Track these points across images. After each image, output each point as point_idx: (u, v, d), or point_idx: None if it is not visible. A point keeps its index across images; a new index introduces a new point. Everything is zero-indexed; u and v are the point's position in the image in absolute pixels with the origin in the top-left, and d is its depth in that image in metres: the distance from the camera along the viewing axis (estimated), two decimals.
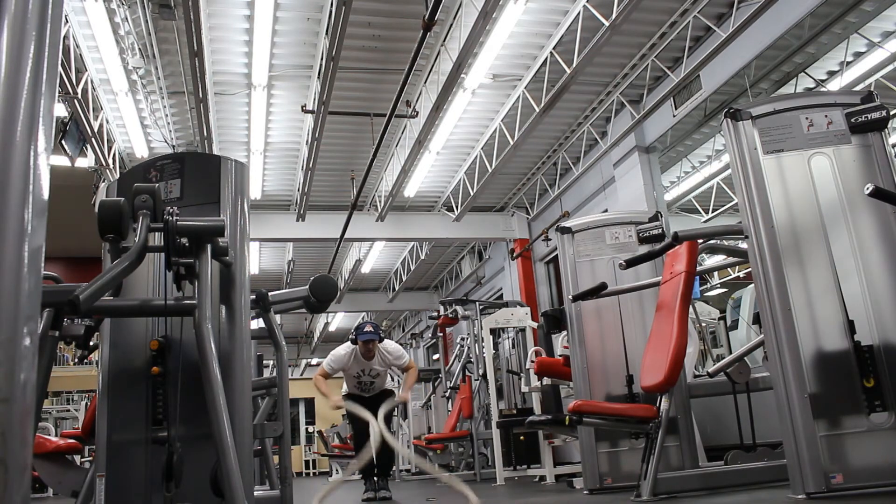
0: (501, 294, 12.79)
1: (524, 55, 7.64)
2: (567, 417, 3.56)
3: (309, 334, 19.61)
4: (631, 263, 3.85)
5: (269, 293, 3.17)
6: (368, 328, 5.30)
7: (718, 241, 4.07)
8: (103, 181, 8.27)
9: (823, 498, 2.68)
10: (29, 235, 0.88)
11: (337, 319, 17.89)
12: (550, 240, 10.80)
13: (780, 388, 2.87)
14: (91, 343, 2.86)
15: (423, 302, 16.43)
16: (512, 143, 8.58)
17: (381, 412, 4.63)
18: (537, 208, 11.57)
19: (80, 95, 6.92)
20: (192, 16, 5.67)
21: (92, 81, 7.30)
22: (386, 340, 5.51)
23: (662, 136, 8.58)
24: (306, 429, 22.57)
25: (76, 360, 14.50)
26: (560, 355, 5.43)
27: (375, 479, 5.43)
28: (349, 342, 5.41)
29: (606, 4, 6.28)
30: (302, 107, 7.94)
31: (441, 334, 9.31)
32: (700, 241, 3.76)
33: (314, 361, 23.60)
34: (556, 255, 7.09)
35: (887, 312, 2.82)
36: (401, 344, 17.85)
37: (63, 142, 7.28)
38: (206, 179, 2.72)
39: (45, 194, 0.92)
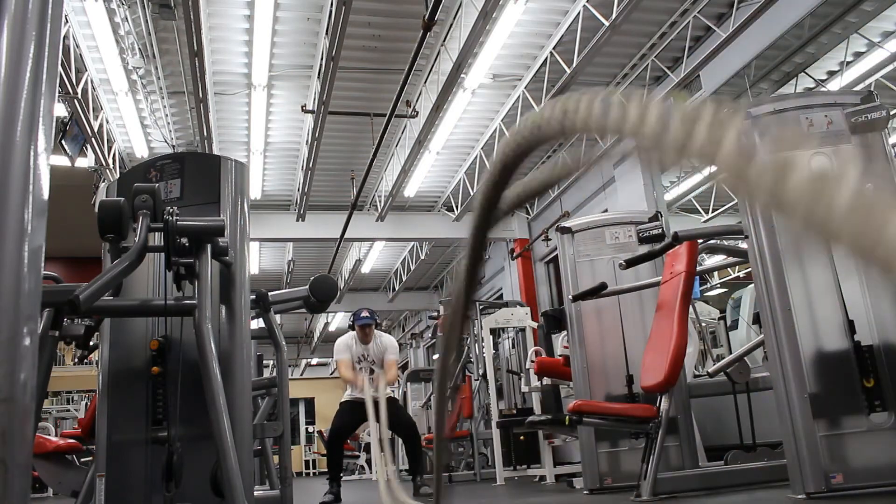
0: (501, 294, 12.79)
1: (524, 55, 7.64)
2: (567, 417, 3.56)
3: (309, 334, 19.61)
4: (631, 263, 3.85)
5: (269, 293, 3.17)
6: (365, 313, 5.57)
7: (718, 241, 4.07)
8: (103, 181, 8.27)
9: (823, 498, 2.68)
10: (29, 235, 0.88)
11: (337, 319, 17.88)
12: (550, 240, 10.80)
13: (780, 388, 2.87)
14: (91, 343, 2.86)
15: (423, 302, 16.43)
16: None
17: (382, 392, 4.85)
18: (537, 208, 11.57)
19: (80, 95, 6.92)
20: (192, 16, 5.67)
21: (92, 81, 7.30)
22: (385, 334, 5.77)
23: None
24: (306, 429, 22.56)
25: (75, 360, 14.50)
26: (560, 355, 5.43)
27: (414, 478, 5.45)
28: (348, 329, 5.70)
29: (606, 4, 6.28)
30: (302, 107, 7.95)
31: (441, 334, 9.31)
32: (700, 241, 3.76)
33: (314, 361, 23.61)
34: (556, 255, 7.09)
35: (887, 312, 2.82)
36: (400, 344, 17.85)
37: (63, 142, 7.28)
38: (206, 179, 2.72)
39: (45, 194, 0.92)
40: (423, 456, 5.97)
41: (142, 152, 8.62)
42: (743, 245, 3.50)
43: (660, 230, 4.02)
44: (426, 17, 5.81)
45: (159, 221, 2.26)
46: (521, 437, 6.81)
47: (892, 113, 3.22)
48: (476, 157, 9.65)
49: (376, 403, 4.76)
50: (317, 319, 18.18)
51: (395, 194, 9.91)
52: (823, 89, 7.89)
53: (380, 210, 10.54)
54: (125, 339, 2.59)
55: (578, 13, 6.74)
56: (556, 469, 5.97)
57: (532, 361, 5.96)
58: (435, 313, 8.66)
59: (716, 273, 12.14)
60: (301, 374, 23.72)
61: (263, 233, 10.79)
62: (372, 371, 5.54)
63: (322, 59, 6.86)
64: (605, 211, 8.88)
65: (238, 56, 7.28)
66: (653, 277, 4.24)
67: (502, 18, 6.59)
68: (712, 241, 4.00)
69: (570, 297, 4.41)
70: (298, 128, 8.82)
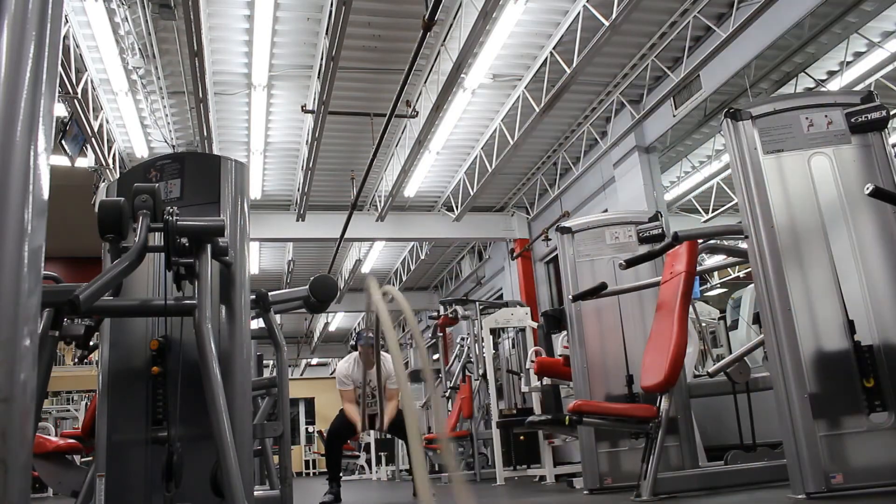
0: (501, 294, 12.79)
1: (524, 55, 7.64)
2: (567, 417, 3.56)
3: (309, 334, 19.61)
4: (631, 263, 3.85)
5: (269, 293, 3.17)
6: (370, 334, 5.48)
7: (718, 241, 4.07)
8: (103, 181, 8.27)
9: (823, 498, 2.68)
10: (29, 235, 0.88)
11: (337, 319, 17.89)
12: (550, 240, 10.80)
13: (780, 388, 2.87)
14: (91, 343, 2.86)
15: (423, 302, 16.43)
16: (512, 143, 8.59)
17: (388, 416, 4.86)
18: (537, 208, 11.57)
19: (80, 95, 6.92)
20: (192, 16, 5.67)
21: (92, 81, 7.30)
22: (386, 355, 5.69)
23: (662, 136, 8.57)
24: (306, 429, 22.57)
25: (75, 360, 14.50)
26: (560, 355, 5.43)
27: (413, 479, 5.44)
28: (351, 350, 5.64)
29: (606, 4, 6.28)
30: (302, 107, 7.95)
31: (441, 334, 9.30)
32: (700, 241, 3.76)
33: (314, 361, 23.61)
34: (556, 255, 7.09)
35: (887, 312, 2.82)
36: (400, 344, 17.74)
37: (63, 142, 7.28)
38: (206, 179, 2.72)
39: (45, 194, 0.92)
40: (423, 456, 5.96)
41: (142, 152, 8.62)
42: (743, 245, 3.49)
43: (660, 230, 4.02)
44: (426, 17, 5.81)
45: (159, 221, 2.26)
46: (521, 437, 6.81)
47: (892, 113, 3.22)
48: (476, 157, 9.65)
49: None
50: (317, 319, 18.18)
51: (395, 194, 9.91)
52: (823, 89, 7.89)
53: (380, 210, 10.54)
54: (125, 339, 2.59)
55: (578, 13, 6.74)
56: (556, 469, 5.97)
57: (532, 361, 5.96)
58: (435, 313, 8.65)
59: (716, 273, 12.15)
60: (301, 374, 23.73)
61: (263, 233, 10.79)
62: (374, 395, 5.53)
63: (322, 59, 6.85)
64: (605, 211, 8.88)
65: (238, 56, 7.28)
66: (653, 277, 4.24)
67: (502, 18, 6.59)
68: (712, 241, 3.99)
69: (570, 297, 4.41)
70: (298, 128, 8.82)
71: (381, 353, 5.52)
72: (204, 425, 2.21)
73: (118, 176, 6.19)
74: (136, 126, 8.17)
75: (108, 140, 8.28)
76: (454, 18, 6.75)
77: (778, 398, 2.89)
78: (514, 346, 8.21)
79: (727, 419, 4.31)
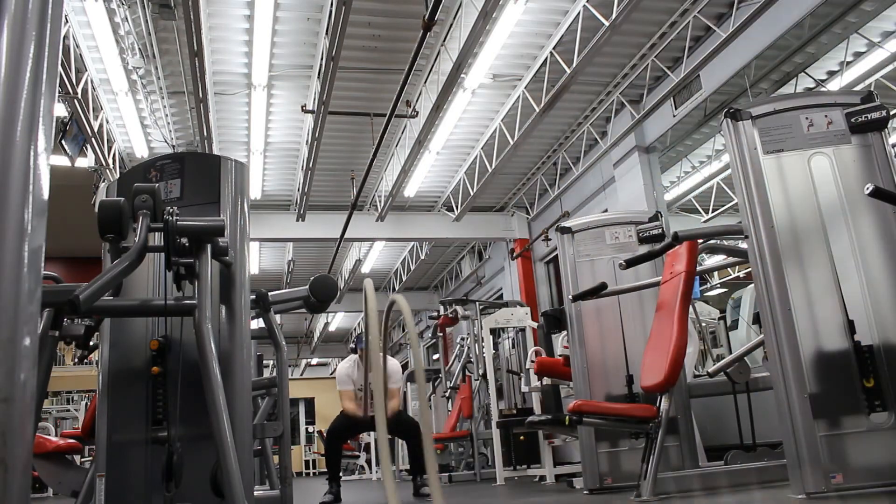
0: (501, 294, 12.79)
1: (524, 55, 7.64)
2: (567, 417, 3.56)
3: (309, 334, 19.61)
4: (631, 263, 3.84)
5: (269, 293, 3.17)
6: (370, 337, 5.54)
7: (718, 241, 4.07)
8: (103, 181, 8.27)
9: (823, 498, 2.68)
10: (29, 235, 0.88)
11: (337, 319, 17.89)
12: (550, 240, 10.80)
13: (780, 388, 2.86)
14: (91, 343, 2.86)
15: (423, 302, 16.43)
16: (512, 143, 8.59)
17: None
18: (537, 208, 11.57)
19: (80, 95, 6.92)
20: (192, 16, 5.67)
21: (92, 81, 7.30)
22: (389, 358, 5.75)
23: (662, 136, 8.58)
24: (306, 429, 22.56)
25: (75, 360, 14.50)
26: (560, 355, 5.43)
27: (414, 478, 5.47)
28: (351, 353, 5.68)
29: (606, 4, 6.28)
30: (302, 107, 7.95)
31: (441, 334, 9.30)
32: (700, 241, 3.76)
33: (314, 361, 23.62)
34: (556, 255, 7.09)
35: (887, 312, 2.82)
36: (400, 344, 17.79)
37: (63, 142, 7.28)
38: (206, 179, 2.72)
39: (45, 194, 0.92)
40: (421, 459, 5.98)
41: (142, 152, 8.62)
42: (743, 245, 3.49)
43: (660, 230, 4.02)
44: (426, 17, 5.81)
45: (159, 221, 2.26)
46: (521, 437, 6.81)
47: (892, 113, 3.22)
48: (476, 157, 9.65)
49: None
50: (317, 319, 18.18)
51: (395, 194, 9.91)
52: (823, 89, 7.89)
53: (380, 210, 10.54)
54: (125, 339, 2.59)
55: (578, 13, 6.74)
56: (556, 469, 5.96)
57: (532, 361, 5.96)
58: (435, 313, 8.65)
59: (716, 273, 12.14)
60: (301, 374, 23.73)
61: (263, 233, 10.79)
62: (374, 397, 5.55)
63: (322, 59, 6.86)
64: (605, 211, 8.88)
65: (238, 56, 7.28)
66: (653, 277, 4.23)
67: (502, 18, 6.59)
68: (712, 241, 3.99)
69: (570, 297, 4.41)
70: (298, 128, 8.82)
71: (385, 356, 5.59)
72: (204, 425, 2.21)
73: (118, 176, 6.19)
74: (136, 126, 8.17)
75: (108, 140, 8.28)
76: (454, 18, 6.75)
77: (778, 398, 2.88)
78: (514, 346, 8.20)
79: (727, 419, 4.31)
